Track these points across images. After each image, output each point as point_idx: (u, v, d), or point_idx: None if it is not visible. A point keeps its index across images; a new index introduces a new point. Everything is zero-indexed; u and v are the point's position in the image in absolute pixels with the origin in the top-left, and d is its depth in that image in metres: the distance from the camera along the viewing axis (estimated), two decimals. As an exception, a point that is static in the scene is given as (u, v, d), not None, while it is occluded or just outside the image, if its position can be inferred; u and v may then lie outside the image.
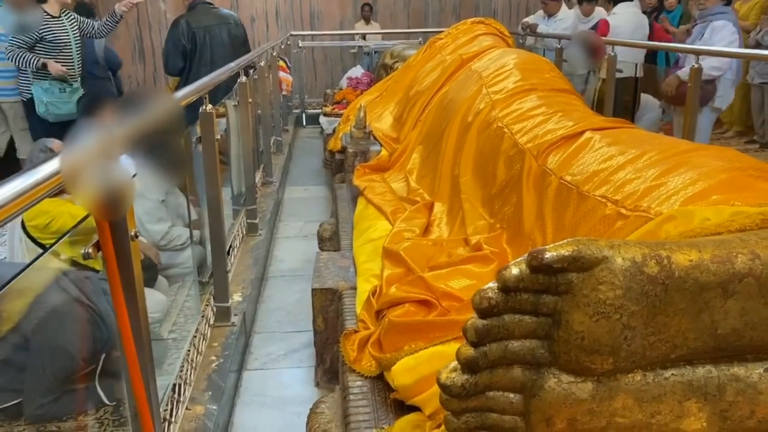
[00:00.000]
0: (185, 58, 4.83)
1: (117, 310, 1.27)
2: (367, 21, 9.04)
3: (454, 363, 1.08)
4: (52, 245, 2.19)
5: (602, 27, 5.29)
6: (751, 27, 6.25)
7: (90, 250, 1.22)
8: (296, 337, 2.74)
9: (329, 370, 2.29)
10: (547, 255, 0.99)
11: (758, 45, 6.01)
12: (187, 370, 2.09)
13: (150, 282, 2.76)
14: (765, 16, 6.13)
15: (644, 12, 6.47)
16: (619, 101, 4.69)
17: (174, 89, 5.52)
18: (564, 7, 6.03)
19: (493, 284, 1.04)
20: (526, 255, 1.02)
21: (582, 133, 1.96)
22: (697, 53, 3.56)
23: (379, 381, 1.67)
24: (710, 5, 4.35)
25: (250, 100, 3.68)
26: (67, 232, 1.32)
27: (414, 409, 1.51)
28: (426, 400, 1.46)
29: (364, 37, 8.48)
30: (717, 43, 4.21)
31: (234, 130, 3.62)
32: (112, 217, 1.22)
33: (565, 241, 1.00)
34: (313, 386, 2.37)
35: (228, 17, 5.02)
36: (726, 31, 4.17)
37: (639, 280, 0.99)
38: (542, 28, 5.98)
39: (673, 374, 1.06)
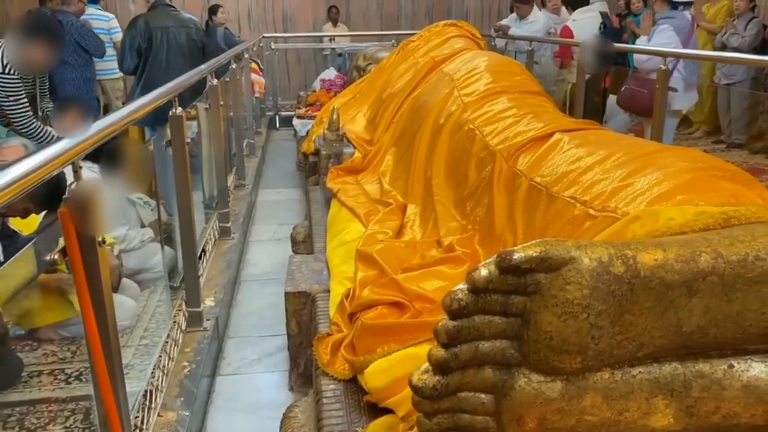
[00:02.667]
0: (140, 56, 4.73)
1: (84, 317, 1.25)
2: (335, 23, 9.04)
3: (426, 365, 1.08)
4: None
5: (565, 34, 5.41)
6: (718, 30, 6.39)
7: (56, 257, 1.20)
8: (270, 341, 2.72)
9: (303, 373, 2.28)
10: (516, 256, 1.00)
11: (724, 47, 6.14)
12: (158, 377, 2.06)
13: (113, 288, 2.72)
14: (729, 18, 6.27)
15: (616, 15, 6.59)
16: (588, 102, 4.75)
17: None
18: (535, 9, 6.10)
19: (463, 286, 1.05)
20: (495, 256, 1.03)
21: (551, 134, 1.98)
22: (668, 55, 3.62)
23: (353, 384, 1.66)
24: (659, 10, 4.46)
25: (222, 102, 3.65)
26: (30, 240, 1.29)
27: (387, 411, 1.51)
28: (399, 402, 1.46)
29: (332, 39, 8.49)
30: (652, 45, 4.31)
31: (205, 133, 3.59)
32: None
33: (533, 242, 1.02)
34: (287, 390, 2.35)
35: (189, 21, 4.95)
36: (662, 34, 4.26)
37: (606, 280, 1.00)
38: (514, 31, 6.05)
39: (640, 372, 1.08)
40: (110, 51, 6.00)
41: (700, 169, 1.40)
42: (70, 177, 1.29)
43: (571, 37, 5.30)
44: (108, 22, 6.16)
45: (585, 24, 5.39)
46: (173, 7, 5.03)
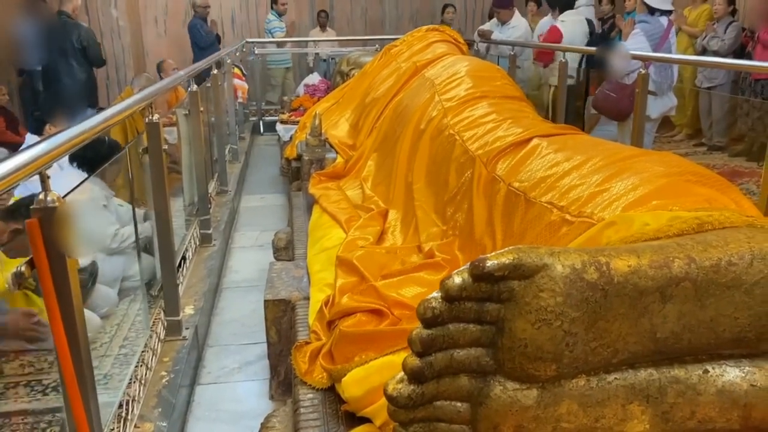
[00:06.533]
0: None
1: (54, 329, 1.22)
2: (323, 28, 9.03)
3: (401, 374, 1.07)
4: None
5: (554, 33, 5.40)
6: (699, 33, 6.44)
7: (23, 269, 1.18)
8: (251, 350, 2.69)
9: (284, 382, 2.26)
10: (489, 263, 0.99)
11: (704, 50, 6.20)
12: (135, 387, 2.03)
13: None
14: (710, 22, 6.33)
15: (599, 19, 6.64)
16: (570, 107, 4.77)
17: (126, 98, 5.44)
18: (516, 15, 6.12)
19: (437, 294, 1.04)
20: (468, 264, 1.02)
21: (530, 140, 1.98)
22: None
23: (331, 393, 1.64)
24: (639, 12, 4.49)
25: (202, 108, 3.62)
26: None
27: (365, 420, 1.50)
28: (376, 411, 1.45)
29: (316, 44, 8.65)
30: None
31: (185, 139, 3.56)
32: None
33: (506, 249, 1.01)
34: (268, 399, 2.33)
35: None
36: (633, 39, 4.29)
37: (579, 287, 0.99)
38: (496, 36, 6.07)
39: (615, 378, 1.08)
40: (272, 47, 8.43)
41: (675, 174, 1.40)
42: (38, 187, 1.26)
43: (559, 36, 5.30)
44: (267, 24, 8.45)
45: (575, 28, 5.42)
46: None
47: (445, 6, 8.32)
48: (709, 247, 1.05)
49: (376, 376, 1.50)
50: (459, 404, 1.09)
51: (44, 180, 1.24)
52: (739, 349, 1.09)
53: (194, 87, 3.47)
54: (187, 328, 2.49)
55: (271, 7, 8.52)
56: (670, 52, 4.29)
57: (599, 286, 1.00)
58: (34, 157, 1.23)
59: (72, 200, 1.36)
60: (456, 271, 1.03)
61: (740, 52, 6.15)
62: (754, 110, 5.85)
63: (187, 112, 3.48)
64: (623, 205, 1.34)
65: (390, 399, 1.07)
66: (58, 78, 6.30)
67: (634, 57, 3.83)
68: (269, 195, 5.14)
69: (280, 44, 8.52)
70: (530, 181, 1.74)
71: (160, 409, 2.00)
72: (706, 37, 6.22)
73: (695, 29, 6.57)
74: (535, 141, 1.95)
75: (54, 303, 1.21)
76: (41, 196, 1.24)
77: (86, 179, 1.79)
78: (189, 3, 9.26)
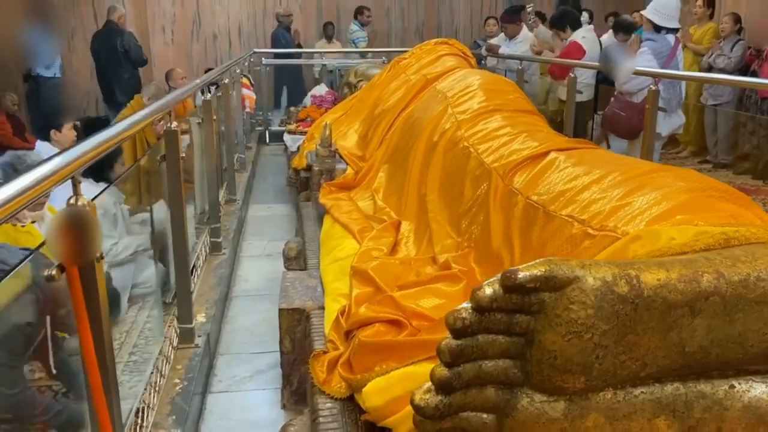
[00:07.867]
0: None
1: (81, 333, 1.23)
2: (330, 39, 9.11)
3: (428, 384, 1.07)
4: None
5: (576, 50, 5.36)
6: (704, 51, 6.48)
7: (54, 272, 1.19)
8: (262, 358, 2.69)
9: (296, 391, 2.26)
10: (520, 275, 1.00)
11: (710, 68, 6.24)
12: (150, 394, 2.03)
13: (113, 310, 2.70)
14: (715, 40, 6.37)
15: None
16: (579, 123, 4.78)
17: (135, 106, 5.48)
18: (524, 29, 6.17)
19: (466, 304, 1.04)
20: (500, 275, 1.02)
21: (547, 153, 1.99)
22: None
23: (350, 402, 1.64)
24: (646, 30, 4.51)
25: (215, 117, 3.64)
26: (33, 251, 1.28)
27: (386, 430, 1.50)
28: (398, 421, 1.45)
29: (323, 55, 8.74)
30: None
31: (197, 147, 3.57)
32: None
33: (537, 261, 1.02)
34: (279, 408, 2.33)
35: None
36: (640, 58, 4.30)
37: (610, 300, 1.00)
38: (504, 50, 6.11)
39: (642, 392, 1.08)
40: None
41: (698, 189, 1.41)
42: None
43: (581, 51, 5.31)
44: (350, 35, 9.00)
45: (594, 45, 5.46)
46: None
47: (487, 18, 8.42)
48: (737, 262, 1.06)
49: (398, 386, 1.50)
50: (485, 415, 1.09)
51: (75, 184, 1.26)
52: (767, 364, 1.09)
53: (207, 96, 3.49)
54: (199, 336, 2.49)
55: (355, 18, 9.01)
56: (678, 70, 4.31)
57: (629, 299, 1.01)
58: (65, 163, 1.24)
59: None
60: (487, 282, 1.04)
61: (744, 70, 6.18)
62: (761, 128, 5.88)
63: (200, 121, 3.49)
64: (647, 219, 1.35)
65: (417, 409, 1.07)
66: (108, 78, 7.49)
67: (644, 73, 3.84)
68: (276, 205, 5.15)
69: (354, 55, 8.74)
70: (549, 195, 1.75)
71: (174, 417, 2.00)
72: (712, 55, 6.26)
73: (700, 47, 6.60)
74: (552, 155, 1.96)
75: (82, 307, 1.21)
76: (72, 201, 1.25)
77: (106, 188, 1.79)
78: (196, 13, 9.35)
